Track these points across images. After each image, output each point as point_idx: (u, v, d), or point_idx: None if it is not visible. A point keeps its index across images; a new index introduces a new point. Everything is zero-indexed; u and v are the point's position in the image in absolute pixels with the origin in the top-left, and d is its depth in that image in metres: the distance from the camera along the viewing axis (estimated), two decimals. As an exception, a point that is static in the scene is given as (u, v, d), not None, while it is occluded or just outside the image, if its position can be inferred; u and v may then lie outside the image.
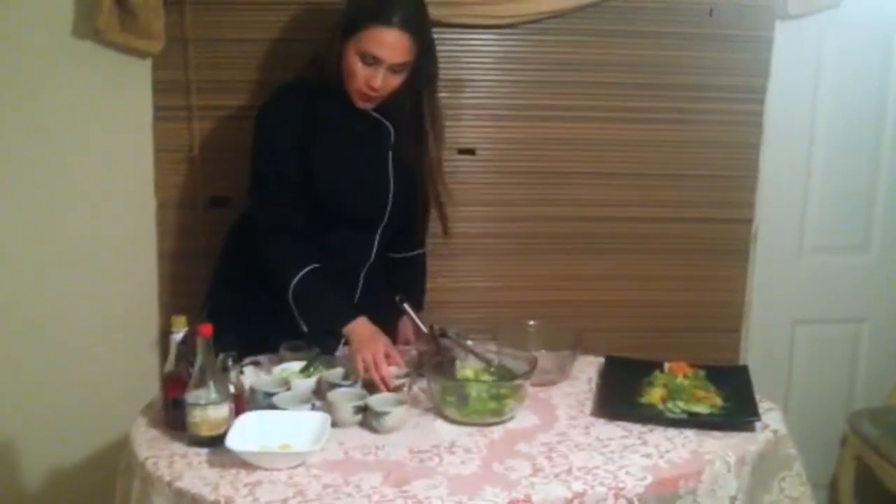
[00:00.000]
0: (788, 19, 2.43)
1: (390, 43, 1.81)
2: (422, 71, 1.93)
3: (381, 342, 1.79)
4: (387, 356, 1.76)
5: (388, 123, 1.99)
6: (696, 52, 2.40)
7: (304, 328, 1.88)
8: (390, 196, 2.00)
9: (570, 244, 2.49)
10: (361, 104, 1.92)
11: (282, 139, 1.90)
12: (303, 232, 1.90)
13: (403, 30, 1.81)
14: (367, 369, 1.74)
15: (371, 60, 1.83)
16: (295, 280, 1.84)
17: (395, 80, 1.88)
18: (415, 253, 2.21)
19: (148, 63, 2.27)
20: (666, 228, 2.51)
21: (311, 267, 1.85)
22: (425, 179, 2.04)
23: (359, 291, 2.05)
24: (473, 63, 2.36)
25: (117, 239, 2.35)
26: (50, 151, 2.27)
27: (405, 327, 2.12)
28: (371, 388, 1.72)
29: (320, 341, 1.89)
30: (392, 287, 2.09)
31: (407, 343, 2.11)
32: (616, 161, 2.45)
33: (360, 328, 1.83)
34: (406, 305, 1.98)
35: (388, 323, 2.08)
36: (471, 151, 2.41)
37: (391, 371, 1.74)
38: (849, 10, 2.45)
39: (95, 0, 2.11)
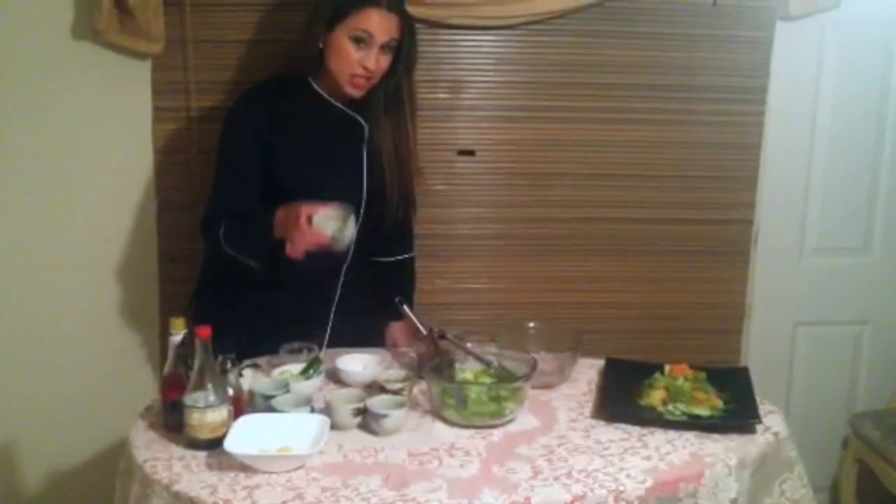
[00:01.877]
0: (789, 20, 2.43)
1: (383, 22, 1.85)
2: (404, 50, 1.93)
3: (293, 214, 1.73)
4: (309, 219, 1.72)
5: (360, 119, 1.99)
6: (697, 52, 2.40)
7: (255, 265, 1.85)
8: (364, 193, 2.00)
9: (570, 246, 2.49)
10: (353, 91, 1.91)
11: (244, 141, 1.91)
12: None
13: (391, 10, 1.86)
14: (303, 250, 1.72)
15: (364, 40, 1.85)
16: (221, 231, 1.86)
17: (385, 62, 1.90)
18: (402, 257, 2.20)
19: (147, 64, 2.27)
20: (666, 230, 2.50)
21: (232, 216, 1.86)
22: (403, 164, 2.02)
23: (338, 292, 2.05)
24: (473, 64, 2.36)
25: (117, 240, 2.35)
26: (50, 153, 2.27)
27: (394, 331, 2.12)
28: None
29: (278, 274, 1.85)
30: (377, 291, 2.08)
31: (395, 345, 2.10)
32: (616, 162, 2.45)
33: (281, 214, 1.78)
34: (406, 308, 1.97)
35: (372, 325, 2.09)
36: (470, 153, 2.41)
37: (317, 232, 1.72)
38: (849, 11, 2.44)
39: (95, 1, 2.11)
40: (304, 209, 1.72)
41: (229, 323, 1.83)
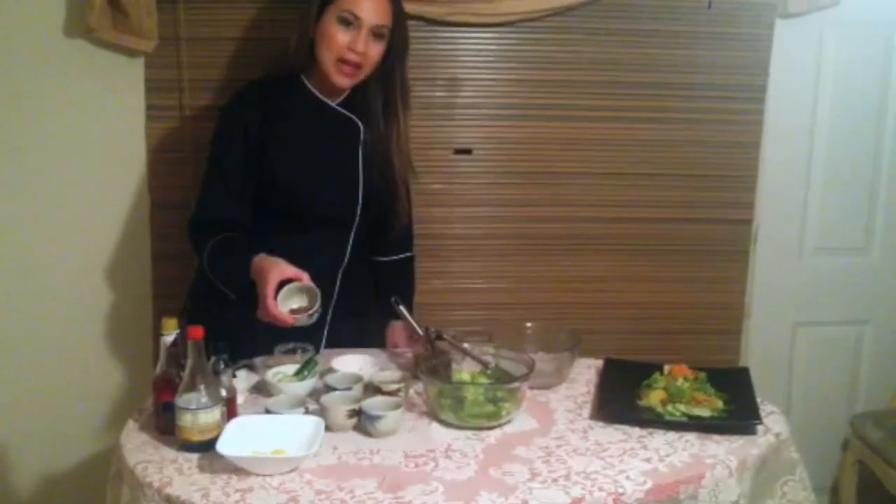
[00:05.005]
0: (788, 17, 2.41)
1: (371, 3, 1.82)
2: (395, 39, 1.90)
3: (262, 280, 1.69)
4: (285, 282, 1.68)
5: (356, 120, 1.96)
6: (695, 50, 2.38)
7: (232, 296, 1.81)
8: (360, 194, 1.97)
9: (568, 245, 2.47)
10: (341, 79, 1.87)
11: (235, 143, 1.87)
12: (231, 230, 1.86)
13: None
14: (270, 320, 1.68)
15: (352, 20, 1.81)
16: (206, 251, 1.82)
17: (376, 49, 1.86)
18: (401, 257, 2.17)
19: (140, 62, 2.25)
20: (665, 229, 2.49)
21: (221, 236, 1.82)
22: (395, 159, 1.98)
23: (335, 292, 2.02)
24: (471, 62, 2.35)
25: (110, 240, 2.33)
26: (42, 151, 2.25)
27: (394, 332, 2.09)
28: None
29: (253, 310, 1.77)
30: (376, 291, 2.07)
31: (395, 345, 2.09)
32: (615, 161, 2.43)
33: (259, 262, 1.73)
34: (402, 308, 1.95)
35: (370, 327, 2.07)
36: (468, 151, 2.39)
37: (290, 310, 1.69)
38: (849, 8, 2.43)
39: (87, -2, 2.09)
40: (273, 278, 1.68)
41: (222, 325, 1.81)
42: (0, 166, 2.23)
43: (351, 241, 2.01)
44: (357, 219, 1.99)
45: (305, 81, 1.93)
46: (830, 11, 2.43)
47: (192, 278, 2.20)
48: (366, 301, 2.09)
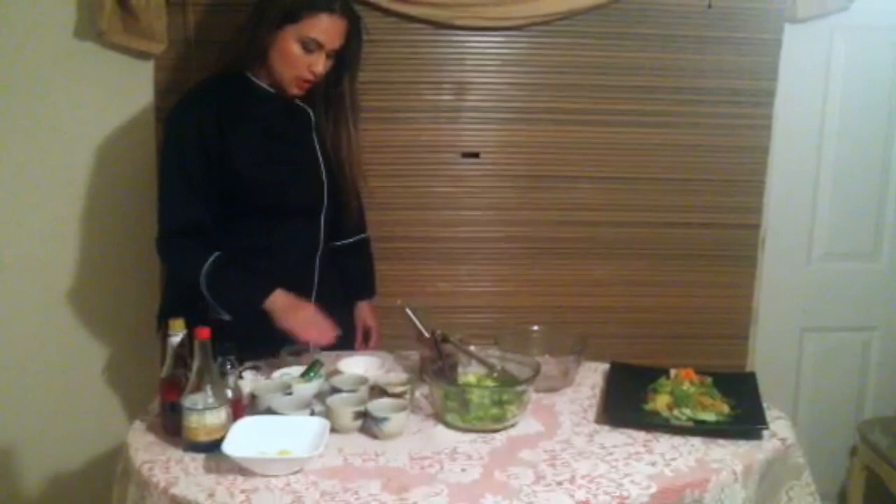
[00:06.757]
0: (797, 22, 2.41)
1: (334, 30, 1.85)
2: (348, 52, 1.93)
3: (307, 306, 1.83)
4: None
5: (306, 107, 1.99)
6: (704, 55, 2.38)
7: (226, 317, 1.85)
8: (324, 178, 2.00)
9: (575, 249, 2.47)
10: (296, 91, 1.92)
11: (191, 144, 1.86)
12: (206, 235, 1.87)
13: (343, 16, 1.86)
14: (313, 337, 1.81)
15: (313, 47, 1.84)
16: (204, 271, 1.82)
17: (330, 64, 1.91)
18: (359, 237, 2.20)
19: (150, 65, 2.26)
20: (672, 233, 2.48)
21: (215, 255, 1.84)
22: (345, 167, 2.03)
23: (315, 284, 2.04)
24: (478, 65, 2.35)
25: (119, 241, 2.34)
26: (52, 153, 2.27)
27: (362, 310, 2.17)
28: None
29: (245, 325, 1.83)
30: (343, 276, 2.13)
31: (367, 331, 2.17)
32: (622, 165, 2.43)
33: (281, 299, 1.84)
34: (408, 311, 1.95)
35: (343, 315, 2.10)
36: (475, 155, 2.39)
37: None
38: (858, 13, 2.43)
39: (97, 1, 2.11)
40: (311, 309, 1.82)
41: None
42: (9, 167, 2.24)
43: (322, 226, 2.03)
44: (325, 202, 2.02)
45: (253, 78, 1.93)
46: (840, 15, 2.43)
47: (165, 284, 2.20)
48: (337, 289, 2.15)
